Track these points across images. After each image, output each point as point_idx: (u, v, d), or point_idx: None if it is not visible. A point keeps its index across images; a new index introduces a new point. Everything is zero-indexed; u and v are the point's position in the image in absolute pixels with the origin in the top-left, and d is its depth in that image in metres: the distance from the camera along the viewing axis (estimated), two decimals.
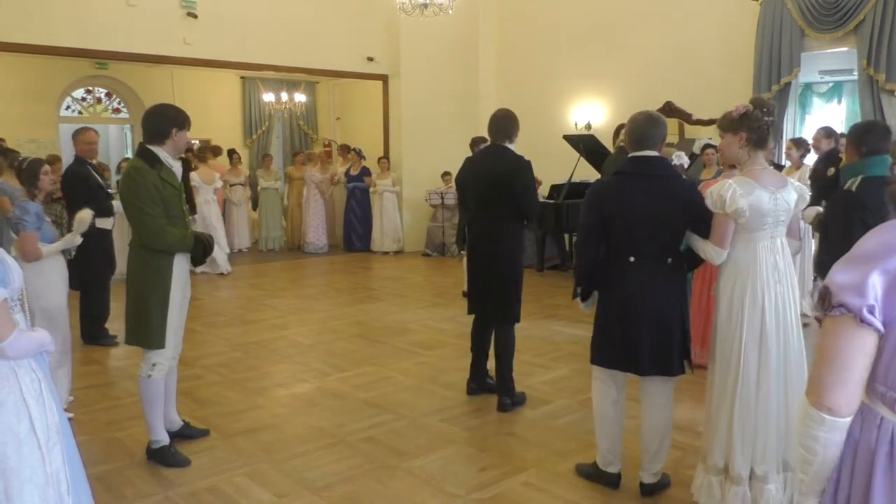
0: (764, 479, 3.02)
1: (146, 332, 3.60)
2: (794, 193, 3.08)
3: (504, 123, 4.44)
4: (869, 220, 3.07)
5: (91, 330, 6.13)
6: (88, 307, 6.14)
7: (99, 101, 13.11)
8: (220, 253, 9.47)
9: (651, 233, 3.18)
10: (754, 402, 3.00)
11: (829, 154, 6.09)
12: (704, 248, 3.11)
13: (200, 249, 3.76)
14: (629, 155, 3.32)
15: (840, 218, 3.43)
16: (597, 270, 3.33)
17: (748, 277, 3.01)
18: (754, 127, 3.02)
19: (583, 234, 3.30)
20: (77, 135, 6.01)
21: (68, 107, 12.75)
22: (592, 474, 3.53)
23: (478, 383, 4.80)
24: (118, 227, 8.91)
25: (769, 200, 2.98)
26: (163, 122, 3.66)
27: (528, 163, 4.38)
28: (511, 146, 4.43)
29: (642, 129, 3.25)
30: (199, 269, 8.83)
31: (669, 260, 3.22)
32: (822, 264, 3.60)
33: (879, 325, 1.39)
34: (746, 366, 2.99)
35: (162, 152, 3.65)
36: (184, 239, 3.67)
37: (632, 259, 3.20)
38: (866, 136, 3.52)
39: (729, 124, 3.10)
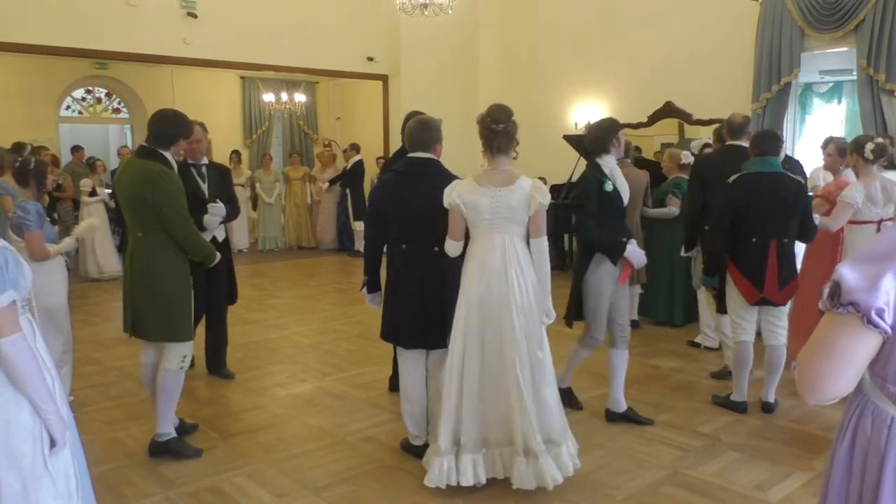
0: (469, 450, 3.32)
1: (177, 325, 3.72)
2: (519, 193, 3.30)
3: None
4: None
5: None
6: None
7: (99, 101, 13.10)
8: None
9: (419, 224, 3.54)
10: (458, 384, 3.34)
11: None
12: (445, 242, 3.45)
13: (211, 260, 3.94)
14: (406, 155, 3.66)
15: None
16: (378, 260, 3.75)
17: (466, 269, 3.39)
18: (484, 134, 3.38)
19: (365, 225, 3.77)
20: None
21: (68, 107, 12.74)
22: (408, 448, 3.86)
23: None
24: (103, 229, 8.91)
25: (486, 199, 3.29)
26: (173, 128, 3.73)
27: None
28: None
29: (414, 133, 3.62)
30: None
31: (436, 249, 3.52)
32: None
33: (887, 328, 1.36)
34: (454, 350, 3.35)
35: (169, 156, 3.72)
36: (212, 251, 3.87)
37: (404, 246, 3.60)
38: None
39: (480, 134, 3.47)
